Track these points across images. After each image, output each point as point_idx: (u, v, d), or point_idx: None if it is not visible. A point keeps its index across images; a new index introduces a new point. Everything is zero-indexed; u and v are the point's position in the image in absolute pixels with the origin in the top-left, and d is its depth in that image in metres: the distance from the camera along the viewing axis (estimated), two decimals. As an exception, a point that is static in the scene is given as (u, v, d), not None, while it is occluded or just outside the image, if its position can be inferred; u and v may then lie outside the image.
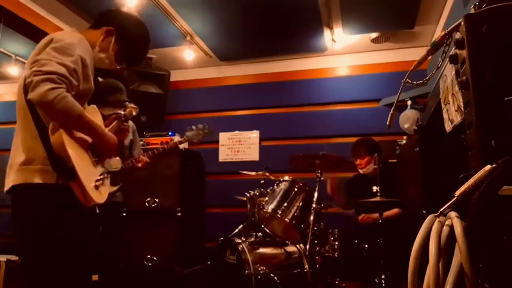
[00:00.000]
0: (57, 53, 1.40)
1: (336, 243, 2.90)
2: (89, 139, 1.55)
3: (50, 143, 1.39)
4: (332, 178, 3.43)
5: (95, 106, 1.72)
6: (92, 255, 1.62)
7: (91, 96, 1.63)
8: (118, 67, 1.73)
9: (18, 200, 1.46)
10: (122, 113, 2.15)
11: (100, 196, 1.55)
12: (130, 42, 1.70)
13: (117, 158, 1.80)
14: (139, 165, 2.74)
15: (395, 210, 3.11)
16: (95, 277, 2.41)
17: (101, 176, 1.60)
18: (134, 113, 2.47)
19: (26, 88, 1.39)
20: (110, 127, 1.93)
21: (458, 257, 0.76)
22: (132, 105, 2.56)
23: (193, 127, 3.22)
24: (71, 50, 1.44)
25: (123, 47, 1.68)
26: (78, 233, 1.50)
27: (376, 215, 2.92)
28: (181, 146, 4.26)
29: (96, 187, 1.53)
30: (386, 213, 3.02)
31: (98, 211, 1.71)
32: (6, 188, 1.49)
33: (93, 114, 1.65)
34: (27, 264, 1.47)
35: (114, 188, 2.64)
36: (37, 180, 1.42)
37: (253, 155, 4.64)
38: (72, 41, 1.47)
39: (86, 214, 1.55)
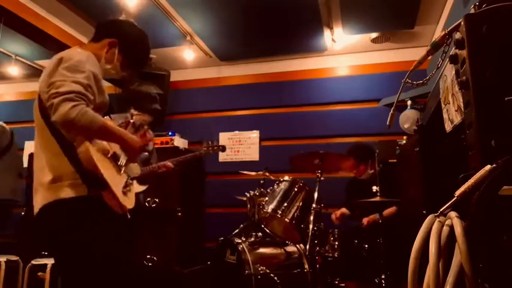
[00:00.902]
0: (70, 72, 1.45)
1: (336, 243, 2.90)
2: (110, 149, 1.59)
3: (78, 158, 1.44)
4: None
5: (108, 117, 1.76)
6: (130, 260, 1.64)
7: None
8: (124, 74, 1.80)
9: (51, 218, 1.48)
10: (131, 120, 2.20)
11: (129, 202, 1.60)
12: (133, 50, 1.77)
13: (136, 164, 1.85)
14: (164, 169, 2.84)
15: (392, 209, 3.12)
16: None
17: (127, 182, 1.65)
18: (144, 119, 2.62)
19: (43, 109, 1.46)
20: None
21: (458, 257, 0.76)
22: (136, 112, 2.66)
23: (210, 144, 3.31)
24: (82, 67, 1.49)
25: (127, 55, 1.75)
26: (116, 240, 1.53)
27: (377, 215, 2.92)
28: (181, 146, 4.27)
29: (124, 193, 1.58)
30: (385, 212, 3.03)
31: (129, 216, 1.73)
32: (36, 210, 1.50)
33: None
34: (73, 279, 1.49)
35: (143, 187, 2.75)
36: (68, 194, 1.45)
37: (253, 155, 4.64)
38: (81, 58, 1.53)
39: (121, 221, 1.57)
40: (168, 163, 2.89)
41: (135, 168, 1.84)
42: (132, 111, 2.86)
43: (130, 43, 1.75)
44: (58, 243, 1.49)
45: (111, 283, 1.49)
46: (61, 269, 1.54)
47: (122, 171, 1.66)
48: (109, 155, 1.57)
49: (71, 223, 1.46)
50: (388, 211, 3.10)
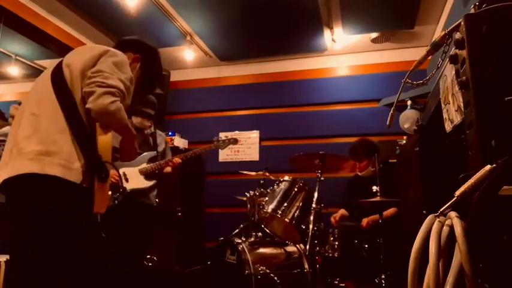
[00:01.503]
0: (117, 68, 1.53)
1: (336, 243, 2.90)
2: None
3: (90, 142, 1.46)
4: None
5: None
6: (95, 263, 1.60)
7: None
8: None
9: (32, 189, 1.38)
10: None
11: (106, 206, 1.58)
12: (152, 73, 1.87)
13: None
14: (171, 164, 2.95)
15: (392, 210, 3.11)
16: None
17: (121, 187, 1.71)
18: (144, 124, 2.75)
19: (62, 84, 1.48)
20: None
21: (458, 257, 0.76)
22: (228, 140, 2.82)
23: (221, 138, 3.34)
24: (126, 68, 1.59)
25: (145, 75, 1.84)
26: (90, 236, 1.49)
27: (376, 216, 2.92)
28: (181, 146, 4.27)
29: (108, 196, 1.61)
30: (385, 213, 3.03)
31: (99, 220, 1.71)
32: (8, 176, 1.38)
33: None
34: (34, 259, 1.37)
35: (151, 183, 2.90)
36: (55, 172, 1.37)
37: (253, 155, 4.64)
38: (125, 59, 1.62)
39: (94, 220, 1.54)
40: (176, 158, 2.94)
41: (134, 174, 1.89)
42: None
43: (151, 65, 1.85)
44: (30, 221, 1.37)
45: (78, 277, 1.42)
46: (18, 256, 1.42)
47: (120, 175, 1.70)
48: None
49: (49, 204, 1.37)
50: (387, 212, 3.09)
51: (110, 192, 1.64)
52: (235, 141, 3.30)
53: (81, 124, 1.46)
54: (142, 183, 2.86)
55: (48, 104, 1.47)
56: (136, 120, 3.00)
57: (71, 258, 1.41)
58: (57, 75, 1.52)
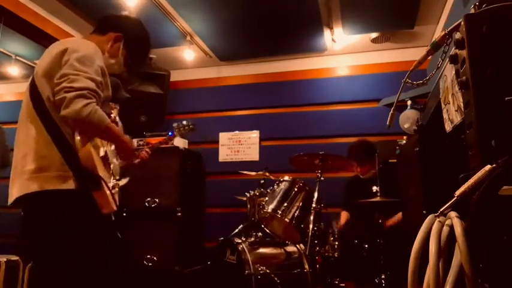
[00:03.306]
0: (82, 65, 1.42)
1: (336, 243, 2.90)
2: (102, 146, 1.58)
3: (73, 152, 1.41)
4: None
5: (112, 104, 1.76)
6: (114, 261, 1.62)
7: None
8: (125, 70, 1.79)
9: (35, 208, 1.44)
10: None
11: (115, 203, 1.59)
12: (137, 47, 1.75)
13: (117, 164, 1.84)
14: (140, 159, 2.79)
15: (397, 217, 3.07)
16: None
17: (114, 184, 1.64)
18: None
19: (37, 97, 1.43)
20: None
21: (458, 257, 0.76)
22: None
23: (180, 124, 3.19)
24: (93, 61, 1.46)
25: (131, 51, 1.73)
26: (99, 239, 1.51)
27: (399, 215, 2.90)
28: (181, 146, 4.27)
29: (112, 195, 1.56)
30: (390, 222, 3.01)
31: (113, 218, 1.71)
32: (13, 198, 1.45)
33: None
34: (50, 271, 1.46)
35: (125, 181, 2.73)
36: (54, 186, 1.41)
37: (253, 155, 4.64)
38: (90, 51, 1.49)
39: (105, 220, 1.55)
40: (144, 153, 2.82)
41: (118, 169, 1.83)
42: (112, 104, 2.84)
43: (135, 39, 1.73)
44: (42, 235, 1.45)
45: (92, 282, 1.45)
46: (40, 262, 1.51)
47: (111, 172, 1.65)
48: (101, 155, 1.56)
49: (57, 215, 1.43)
50: (392, 220, 3.06)
51: (112, 190, 1.61)
52: (193, 127, 3.16)
53: (62, 136, 1.43)
54: (122, 181, 2.77)
55: (34, 121, 1.47)
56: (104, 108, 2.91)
57: (89, 260, 1.45)
58: (32, 89, 1.49)
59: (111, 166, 1.67)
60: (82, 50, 1.47)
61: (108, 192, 1.50)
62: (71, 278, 1.42)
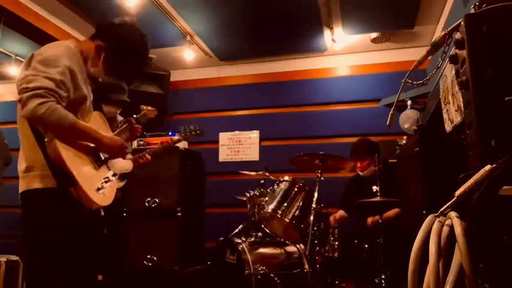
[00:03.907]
0: (43, 66, 1.43)
1: (336, 243, 2.90)
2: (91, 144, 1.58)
3: (46, 153, 1.46)
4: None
5: (99, 113, 1.74)
6: (95, 256, 1.63)
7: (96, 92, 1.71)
8: (109, 80, 1.80)
9: (23, 206, 1.53)
10: (135, 116, 2.20)
11: (104, 198, 1.59)
12: (119, 60, 1.69)
13: (124, 160, 1.83)
14: (144, 160, 2.78)
15: (395, 210, 3.10)
16: (100, 277, 2.44)
17: (105, 179, 1.63)
18: (150, 116, 2.60)
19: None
20: (119, 130, 1.99)
21: (458, 257, 0.76)
22: (149, 107, 2.66)
23: (187, 128, 3.16)
24: (57, 62, 1.46)
25: (112, 63, 1.68)
26: (79, 234, 1.53)
27: (396, 209, 2.94)
28: (181, 146, 4.26)
29: (99, 189, 1.56)
30: (386, 214, 3.02)
31: (102, 213, 1.72)
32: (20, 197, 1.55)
33: (96, 120, 1.68)
34: (31, 267, 1.52)
35: (122, 183, 2.71)
36: (37, 185, 1.48)
37: (253, 155, 4.64)
38: (56, 52, 1.49)
39: (88, 216, 1.56)
40: (147, 155, 2.81)
41: (123, 164, 1.82)
42: (143, 106, 2.85)
43: (118, 50, 1.67)
44: (24, 231, 1.52)
45: (70, 275, 1.49)
46: (24, 257, 1.61)
47: (101, 167, 1.64)
48: (87, 151, 1.57)
49: (40, 213, 1.49)
50: (390, 213, 3.08)
51: (106, 184, 1.61)
52: (201, 132, 3.13)
53: (40, 136, 1.47)
54: (118, 184, 2.77)
55: (23, 124, 1.53)
56: (105, 109, 2.89)
57: (73, 255, 1.49)
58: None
59: (105, 162, 1.67)
60: (47, 52, 1.49)
61: (88, 188, 1.49)
62: (54, 275, 1.46)
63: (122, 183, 2.69)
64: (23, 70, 1.49)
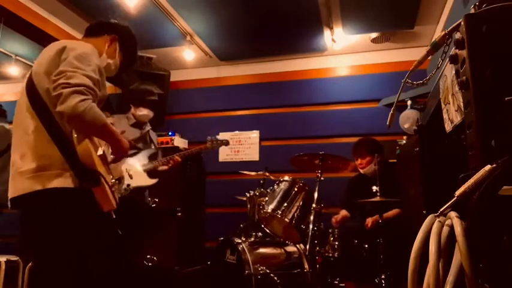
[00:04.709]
0: (79, 62, 1.44)
1: (336, 243, 2.90)
2: (100, 146, 1.58)
3: (73, 150, 1.42)
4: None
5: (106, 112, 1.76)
6: (115, 258, 1.63)
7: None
8: (119, 71, 1.83)
9: (37, 206, 1.45)
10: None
11: (115, 202, 1.59)
12: (130, 49, 1.82)
13: (117, 165, 1.86)
14: (172, 163, 2.92)
15: (395, 211, 3.10)
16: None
17: (114, 182, 1.66)
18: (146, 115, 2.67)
19: (35, 95, 1.45)
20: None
21: (458, 257, 0.76)
22: (136, 109, 2.72)
23: (214, 138, 3.39)
24: (90, 60, 1.48)
25: (125, 53, 1.79)
26: (101, 236, 1.52)
27: (396, 210, 2.94)
28: (181, 146, 4.27)
29: (112, 192, 1.57)
30: (386, 214, 3.02)
31: (114, 216, 1.73)
32: (13, 195, 1.46)
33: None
34: (51, 270, 1.47)
35: (154, 181, 2.85)
36: (56, 184, 1.43)
37: (253, 155, 4.64)
38: (87, 50, 1.52)
39: (107, 217, 1.57)
40: (176, 157, 2.91)
41: (117, 170, 1.84)
42: (132, 110, 2.91)
43: (129, 41, 1.81)
44: (45, 234, 1.46)
45: (93, 280, 1.46)
46: (41, 262, 1.51)
47: (110, 171, 1.66)
48: (98, 153, 1.56)
49: (59, 214, 1.44)
50: (390, 213, 3.08)
51: (113, 188, 1.62)
52: (227, 142, 3.37)
53: (61, 134, 1.44)
54: (146, 181, 2.83)
55: (32, 120, 1.48)
56: (142, 112, 2.94)
57: (90, 258, 1.47)
58: (30, 87, 1.50)
59: (110, 166, 1.68)
60: (80, 48, 1.49)
61: (108, 189, 1.50)
62: (73, 277, 1.43)
63: (153, 181, 2.87)
64: (49, 62, 1.47)
